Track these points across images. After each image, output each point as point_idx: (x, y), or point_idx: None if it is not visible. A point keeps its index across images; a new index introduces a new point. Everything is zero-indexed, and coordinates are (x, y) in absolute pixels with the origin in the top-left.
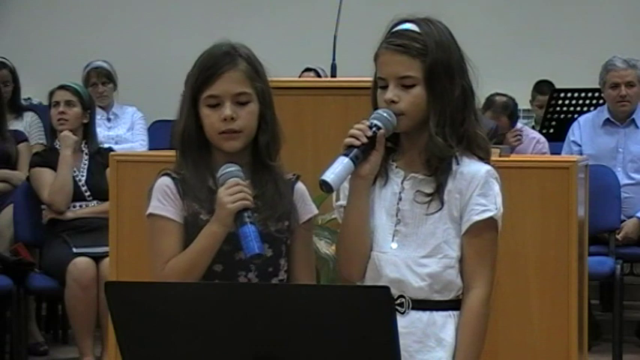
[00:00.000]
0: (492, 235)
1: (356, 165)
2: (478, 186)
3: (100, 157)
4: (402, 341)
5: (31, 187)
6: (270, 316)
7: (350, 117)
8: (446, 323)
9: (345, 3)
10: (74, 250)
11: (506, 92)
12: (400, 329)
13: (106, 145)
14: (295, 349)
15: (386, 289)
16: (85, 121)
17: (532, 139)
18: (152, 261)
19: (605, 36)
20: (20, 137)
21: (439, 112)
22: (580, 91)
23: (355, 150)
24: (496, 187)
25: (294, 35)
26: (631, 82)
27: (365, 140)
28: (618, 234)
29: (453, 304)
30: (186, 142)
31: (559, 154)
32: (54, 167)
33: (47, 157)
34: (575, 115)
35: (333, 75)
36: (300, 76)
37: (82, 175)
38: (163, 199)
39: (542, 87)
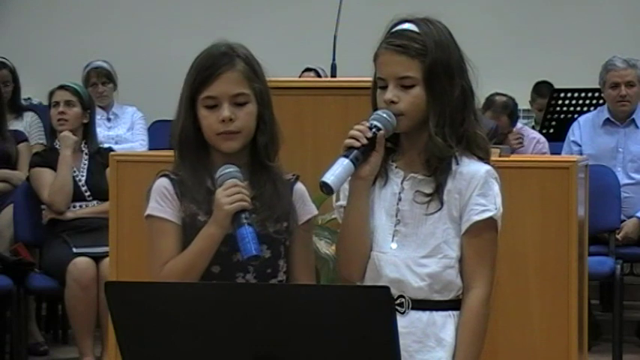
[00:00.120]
0: (492, 235)
1: (356, 166)
2: (477, 186)
3: (99, 157)
4: (401, 341)
5: (31, 187)
6: (270, 316)
7: (350, 117)
8: (446, 323)
9: (345, 3)
10: (74, 250)
11: (506, 92)
12: (400, 329)
13: (105, 145)
14: (295, 349)
15: (386, 289)
16: (85, 121)
17: (532, 139)
18: (150, 262)
19: (605, 36)
20: (20, 137)
21: (439, 113)
22: (580, 91)
23: (355, 151)
24: (496, 187)
25: (294, 35)
26: (631, 81)
27: (365, 141)
28: (618, 234)
29: (453, 304)
30: (184, 143)
31: (559, 154)
32: (54, 167)
33: (47, 157)
34: (575, 115)
35: (333, 75)
36: (300, 76)
37: (82, 175)
38: (161, 201)
39: (542, 89)
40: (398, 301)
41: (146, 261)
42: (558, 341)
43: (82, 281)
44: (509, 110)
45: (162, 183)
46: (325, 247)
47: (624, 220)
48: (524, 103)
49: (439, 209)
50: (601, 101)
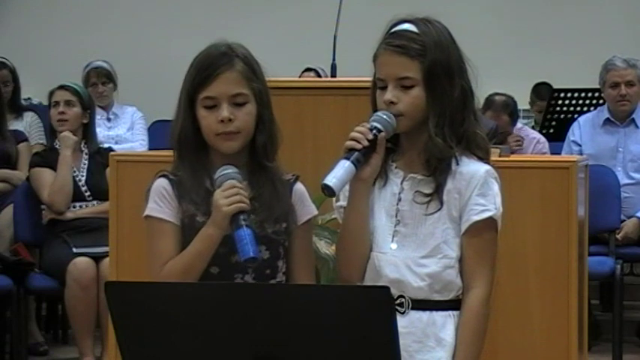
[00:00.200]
0: (492, 234)
1: (357, 168)
2: (477, 186)
3: (99, 156)
4: (401, 341)
5: (31, 187)
6: (270, 316)
7: (350, 117)
8: (446, 323)
9: (345, 3)
10: (74, 250)
11: (505, 92)
12: (400, 329)
13: (105, 145)
14: (295, 349)
15: (386, 289)
16: (85, 121)
17: (532, 139)
18: (149, 263)
19: (605, 36)
20: (20, 137)
21: (438, 113)
22: (580, 91)
23: (356, 153)
24: (495, 187)
25: (294, 35)
26: (631, 81)
27: (366, 144)
28: (618, 234)
29: (453, 304)
30: (183, 143)
31: (559, 154)
32: (54, 167)
33: (47, 157)
34: (575, 115)
35: (333, 75)
36: (300, 76)
37: (82, 175)
38: (160, 201)
39: (541, 91)
40: (398, 301)
41: (146, 261)
42: (558, 341)
43: (82, 281)
44: (510, 109)
45: (161, 183)
46: (325, 247)
47: (624, 220)
48: (524, 103)
49: (439, 209)
50: (601, 101)
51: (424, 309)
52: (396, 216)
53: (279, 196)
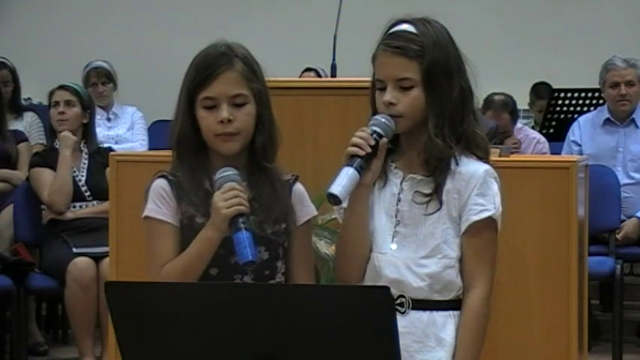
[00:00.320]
0: (491, 234)
1: (361, 174)
2: (476, 186)
3: (99, 156)
4: (402, 341)
5: (31, 187)
6: (270, 316)
7: (350, 117)
8: (446, 323)
9: (345, 3)
10: (74, 250)
11: (505, 92)
12: (400, 329)
13: (105, 145)
14: (295, 349)
15: (386, 289)
16: (85, 121)
17: (532, 139)
18: (148, 264)
19: (605, 36)
20: (20, 137)
21: (438, 113)
22: (580, 91)
23: (359, 159)
24: (495, 187)
25: (294, 35)
26: (631, 81)
27: (369, 150)
28: (618, 234)
29: (454, 304)
30: (182, 144)
31: (559, 154)
32: (54, 167)
33: (47, 157)
34: (575, 115)
35: (333, 75)
36: (300, 76)
37: (82, 175)
38: (159, 202)
39: (540, 90)
40: (398, 301)
41: (145, 261)
42: (558, 341)
43: (82, 281)
44: (510, 108)
45: (160, 184)
46: (325, 247)
47: (624, 220)
48: (523, 103)
49: (438, 209)
50: (601, 101)
51: (424, 309)
52: (396, 216)
53: (278, 196)
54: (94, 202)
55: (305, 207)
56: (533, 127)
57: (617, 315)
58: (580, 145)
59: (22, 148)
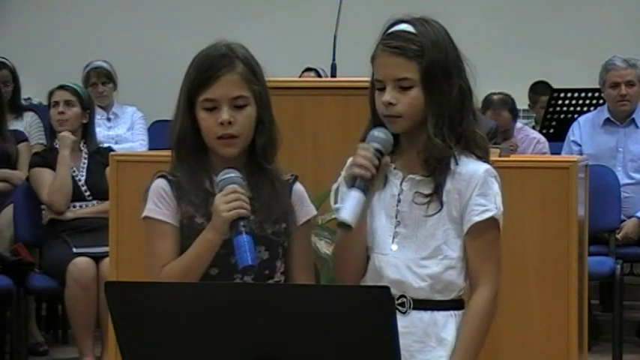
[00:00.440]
0: (494, 233)
1: (366, 195)
2: (477, 186)
3: (99, 156)
4: (403, 341)
5: (31, 187)
6: (270, 316)
7: (350, 117)
8: (447, 323)
9: (345, 3)
10: (74, 250)
11: (503, 92)
12: (401, 329)
13: (105, 145)
14: (295, 349)
15: (386, 289)
16: (85, 121)
17: (532, 139)
18: (148, 265)
19: (605, 36)
20: (20, 137)
21: (437, 113)
22: (580, 91)
23: (364, 181)
24: (495, 186)
25: (294, 35)
26: (631, 81)
27: (374, 172)
28: (618, 234)
29: (455, 304)
30: (182, 144)
31: (559, 154)
32: (54, 167)
33: (47, 157)
34: (575, 115)
35: (333, 75)
36: (300, 76)
37: (82, 175)
38: (159, 202)
39: (538, 88)
40: (399, 301)
41: (145, 262)
42: (558, 341)
43: (82, 281)
44: (509, 105)
45: (160, 184)
46: (325, 247)
47: (624, 220)
48: (523, 103)
49: (439, 210)
50: (601, 101)
51: (426, 309)
52: (396, 217)
53: (278, 197)
54: (94, 202)
55: (305, 207)
56: (533, 127)
57: (617, 315)
58: (580, 145)
59: (22, 148)
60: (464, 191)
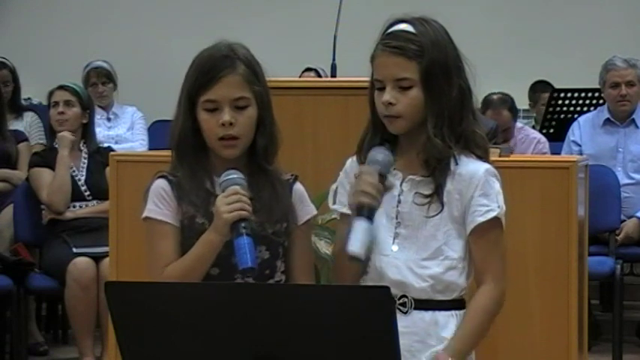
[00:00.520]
0: (497, 232)
1: (373, 221)
2: (478, 186)
3: (99, 156)
4: (404, 341)
5: (31, 187)
6: (270, 316)
7: (350, 117)
8: (448, 323)
9: (345, 3)
10: (74, 250)
11: (503, 92)
12: (402, 329)
13: (105, 145)
14: (295, 349)
15: (386, 289)
16: (84, 121)
17: (532, 139)
18: (149, 265)
19: (605, 36)
20: (20, 137)
21: (437, 113)
22: (580, 91)
23: (371, 209)
24: (497, 185)
25: (294, 35)
26: (631, 81)
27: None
28: (618, 234)
29: (456, 304)
30: (182, 144)
31: (559, 154)
32: (53, 167)
33: (47, 157)
34: (575, 115)
35: (333, 75)
36: (300, 76)
37: (82, 175)
38: (159, 203)
39: (538, 87)
40: (401, 301)
41: (146, 261)
42: (558, 341)
43: (82, 281)
44: (509, 104)
45: (160, 184)
46: (325, 247)
47: (624, 220)
48: (523, 103)
49: (440, 212)
50: (601, 101)
51: (427, 309)
52: (397, 218)
53: (278, 197)
54: (94, 202)
55: (305, 207)
56: (533, 127)
57: (617, 315)
58: (580, 145)
59: (22, 148)
60: (465, 192)
